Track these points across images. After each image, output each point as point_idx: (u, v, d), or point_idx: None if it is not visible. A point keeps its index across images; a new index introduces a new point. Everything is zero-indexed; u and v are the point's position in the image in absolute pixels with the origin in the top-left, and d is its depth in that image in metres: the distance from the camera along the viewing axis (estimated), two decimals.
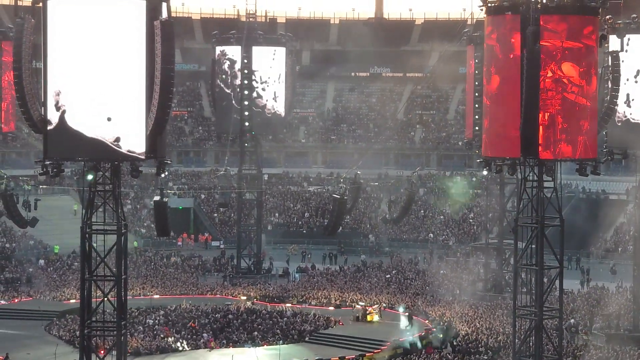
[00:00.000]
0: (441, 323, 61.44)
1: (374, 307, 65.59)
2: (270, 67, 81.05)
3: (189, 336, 59.44)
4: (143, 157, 40.56)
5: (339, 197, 60.62)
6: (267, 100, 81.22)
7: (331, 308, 68.35)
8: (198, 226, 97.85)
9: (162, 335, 58.97)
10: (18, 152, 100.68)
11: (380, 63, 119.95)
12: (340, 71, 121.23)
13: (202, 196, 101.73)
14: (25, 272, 76.93)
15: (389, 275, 77.57)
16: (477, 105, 69.84)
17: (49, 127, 40.18)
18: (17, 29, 40.66)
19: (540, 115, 43.27)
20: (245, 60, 79.66)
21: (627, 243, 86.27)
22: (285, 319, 63.75)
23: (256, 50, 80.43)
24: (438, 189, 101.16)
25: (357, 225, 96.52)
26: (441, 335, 59.01)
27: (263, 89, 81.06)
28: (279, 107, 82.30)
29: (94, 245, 42.46)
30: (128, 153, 40.27)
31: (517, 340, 45.90)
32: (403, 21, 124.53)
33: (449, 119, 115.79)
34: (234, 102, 79.97)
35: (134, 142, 40.09)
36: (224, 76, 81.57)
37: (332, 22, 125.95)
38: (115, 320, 42.70)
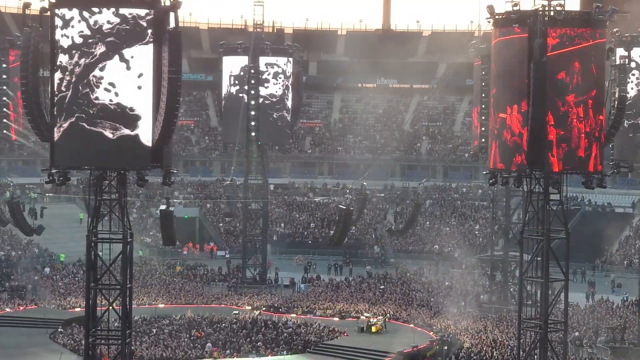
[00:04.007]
0: (445, 335, 61.31)
1: (378, 318, 65.54)
2: (277, 78, 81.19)
3: (192, 345, 59.42)
4: (148, 166, 40.72)
5: (344, 207, 60.60)
6: (273, 111, 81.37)
7: (336, 319, 68.28)
8: (204, 236, 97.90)
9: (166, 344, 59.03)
10: (24, 160, 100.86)
11: (387, 74, 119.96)
12: (347, 82, 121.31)
13: (208, 206, 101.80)
14: (30, 280, 76.85)
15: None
16: (483, 117, 69.83)
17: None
18: (25, 37, 40.78)
19: (548, 128, 43.40)
20: (252, 71, 79.75)
21: (633, 256, 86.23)
22: (290, 329, 63.69)
23: (263, 61, 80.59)
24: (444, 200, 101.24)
25: (362, 236, 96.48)
26: (445, 348, 58.88)
27: (270, 100, 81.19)
28: (286, 118, 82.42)
29: (100, 253, 42.53)
30: (133, 162, 40.47)
31: (522, 352, 45.81)
32: (410, 33, 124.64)
33: (455, 130, 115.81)
34: (240, 112, 79.97)
35: (141, 149, 40.25)
36: (230, 86, 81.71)
37: (339, 33, 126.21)
38: (120, 329, 42.74)
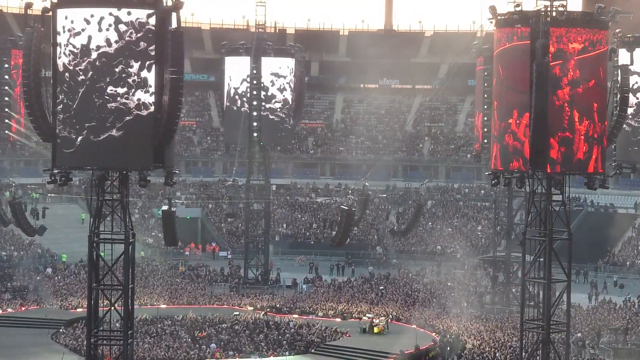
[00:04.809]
0: (448, 336, 61.26)
1: (381, 319, 65.49)
2: (279, 78, 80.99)
3: (194, 346, 59.39)
4: (150, 166, 40.72)
5: (347, 208, 60.55)
6: (275, 111, 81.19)
7: (338, 320, 68.22)
8: (205, 236, 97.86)
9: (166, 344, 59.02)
10: (26, 161, 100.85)
11: (389, 75, 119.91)
12: (349, 83, 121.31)
13: (210, 206, 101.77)
14: (32, 280, 76.86)
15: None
16: (485, 118, 69.86)
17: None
18: (26, 37, 40.73)
19: (549, 129, 43.37)
20: (255, 71, 79.54)
21: (636, 257, 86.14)
22: (292, 330, 63.66)
23: (265, 61, 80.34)
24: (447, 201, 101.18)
25: (364, 236, 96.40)
26: (448, 348, 58.83)
27: (272, 100, 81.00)
28: (288, 118, 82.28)
29: (102, 254, 42.50)
30: (135, 162, 40.47)
31: (524, 353, 45.76)
32: (412, 33, 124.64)
33: (457, 131, 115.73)
34: (242, 112, 79.77)
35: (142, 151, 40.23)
36: (233, 87, 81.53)
37: (341, 33, 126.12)
38: (121, 329, 42.72)
